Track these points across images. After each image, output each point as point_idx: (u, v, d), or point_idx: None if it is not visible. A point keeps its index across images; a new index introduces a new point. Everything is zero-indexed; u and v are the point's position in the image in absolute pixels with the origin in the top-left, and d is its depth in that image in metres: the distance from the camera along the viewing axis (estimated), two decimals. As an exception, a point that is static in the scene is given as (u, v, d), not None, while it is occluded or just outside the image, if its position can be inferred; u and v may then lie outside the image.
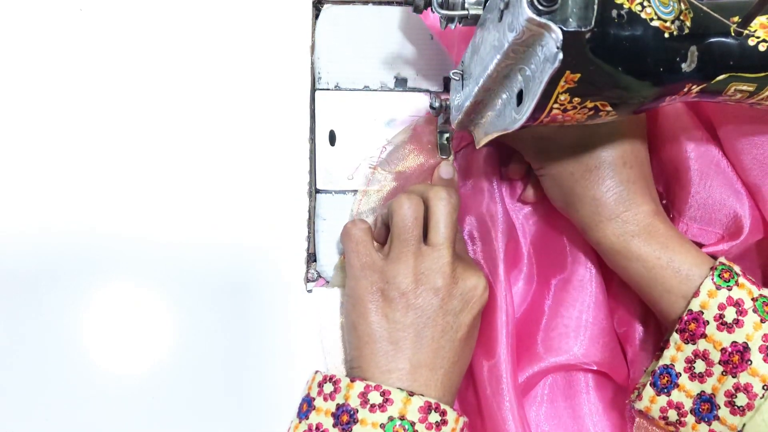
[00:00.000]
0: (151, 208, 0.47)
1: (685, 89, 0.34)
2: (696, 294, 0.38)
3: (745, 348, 0.37)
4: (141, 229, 0.47)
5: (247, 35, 0.49)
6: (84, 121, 0.48)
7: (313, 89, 0.49)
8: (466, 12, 0.36)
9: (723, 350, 0.37)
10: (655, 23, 0.31)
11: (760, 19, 0.33)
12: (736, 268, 0.39)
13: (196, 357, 0.46)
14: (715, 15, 0.33)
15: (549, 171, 0.43)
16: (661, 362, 0.40)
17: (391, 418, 0.38)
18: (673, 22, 0.32)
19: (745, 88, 0.35)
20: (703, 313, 0.38)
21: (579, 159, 0.41)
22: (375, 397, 0.39)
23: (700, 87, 0.35)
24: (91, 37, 0.48)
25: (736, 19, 0.33)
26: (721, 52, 0.34)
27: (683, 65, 0.33)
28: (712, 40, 0.33)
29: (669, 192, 0.46)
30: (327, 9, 0.50)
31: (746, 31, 0.33)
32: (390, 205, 0.44)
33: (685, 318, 0.38)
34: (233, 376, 0.46)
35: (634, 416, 0.44)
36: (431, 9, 0.37)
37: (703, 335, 0.38)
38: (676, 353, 0.39)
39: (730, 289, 0.38)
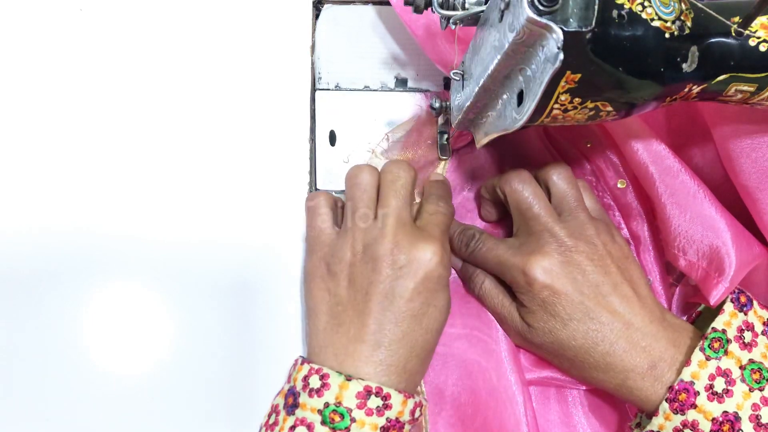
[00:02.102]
0: (151, 208, 0.47)
1: (686, 89, 0.34)
2: (687, 363, 0.38)
3: (737, 417, 0.37)
4: (141, 228, 0.47)
5: (247, 35, 0.49)
6: (84, 121, 0.48)
7: (313, 89, 0.49)
8: (466, 12, 0.36)
9: (714, 420, 0.37)
10: (656, 23, 0.31)
11: (760, 20, 0.33)
12: (729, 333, 0.39)
13: (196, 356, 0.46)
14: (716, 15, 0.33)
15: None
16: (649, 428, 0.39)
17: (327, 404, 0.37)
18: (673, 22, 0.32)
19: (745, 88, 0.35)
20: (694, 383, 0.38)
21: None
22: (314, 381, 0.38)
23: (700, 87, 0.35)
24: (91, 37, 0.48)
25: (736, 19, 0.33)
26: (721, 52, 0.33)
27: (684, 65, 0.33)
28: (713, 40, 0.33)
29: (655, 220, 0.46)
30: (327, 9, 0.50)
31: (747, 32, 0.33)
32: (346, 175, 0.44)
33: (676, 387, 0.38)
34: (233, 375, 0.46)
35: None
36: (431, 9, 0.37)
37: (693, 405, 0.37)
38: (664, 422, 0.38)
39: (719, 360, 0.38)
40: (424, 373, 0.42)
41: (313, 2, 0.50)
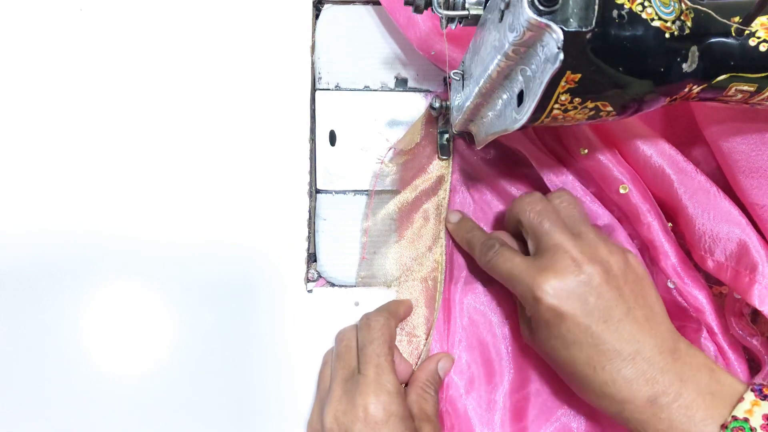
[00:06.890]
0: (151, 208, 0.47)
1: (686, 89, 0.34)
2: None
3: None
4: (141, 229, 0.47)
5: (247, 35, 0.49)
6: (85, 121, 0.48)
7: (314, 89, 0.49)
8: (466, 12, 0.36)
9: None
10: (656, 23, 0.31)
11: (760, 20, 0.33)
12: (753, 421, 0.36)
13: (196, 357, 0.46)
14: (716, 15, 0.33)
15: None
16: None
17: None
18: (673, 22, 0.32)
19: (745, 88, 0.35)
20: None
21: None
22: None
23: (700, 87, 0.35)
24: (91, 37, 0.48)
25: (736, 19, 0.33)
26: (721, 52, 0.33)
27: (684, 65, 0.33)
28: (713, 40, 0.33)
29: (677, 225, 0.45)
30: (327, 9, 0.50)
31: (747, 31, 0.33)
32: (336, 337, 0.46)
33: None
34: (233, 376, 0.46)
35: None
36: (432, 9, 0.37)
37: None
38: None
39: None
40: None
41: (313, 2, 0.50)
